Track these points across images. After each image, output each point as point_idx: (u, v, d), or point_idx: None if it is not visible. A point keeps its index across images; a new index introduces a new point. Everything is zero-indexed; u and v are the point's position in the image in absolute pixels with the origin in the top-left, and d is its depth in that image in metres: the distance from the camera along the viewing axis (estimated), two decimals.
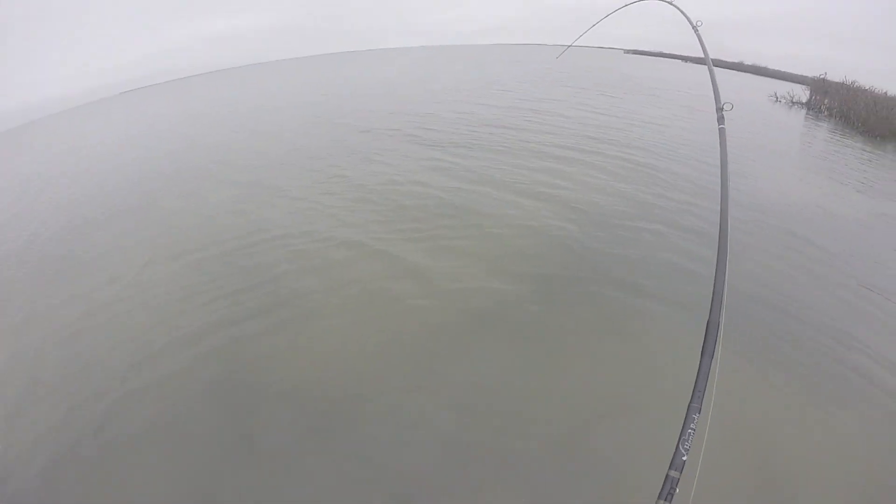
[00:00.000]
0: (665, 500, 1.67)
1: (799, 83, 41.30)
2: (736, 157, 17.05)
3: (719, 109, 3.99)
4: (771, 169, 16.57)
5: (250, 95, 43.84)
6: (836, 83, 34.43)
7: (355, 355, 7.16)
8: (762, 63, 61.85)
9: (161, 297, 9.01)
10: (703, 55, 5.90)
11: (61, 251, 11.90)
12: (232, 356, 7.24)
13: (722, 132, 3.66)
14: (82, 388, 6.71)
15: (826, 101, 32.62)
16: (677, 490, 1.70)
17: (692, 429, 1.87)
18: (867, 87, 30.88)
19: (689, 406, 1.95)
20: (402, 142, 19.11)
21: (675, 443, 1.81)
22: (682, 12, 6.58)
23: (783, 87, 37.47)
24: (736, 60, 66.15)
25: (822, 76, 34.36)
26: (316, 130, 22.87)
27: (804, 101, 34.50)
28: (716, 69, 5.58)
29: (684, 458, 1.77)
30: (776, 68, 58.24)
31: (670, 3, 7.21)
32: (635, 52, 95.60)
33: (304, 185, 14.65)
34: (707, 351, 2.18)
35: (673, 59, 78.98)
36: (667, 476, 1.73)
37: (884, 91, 29.29)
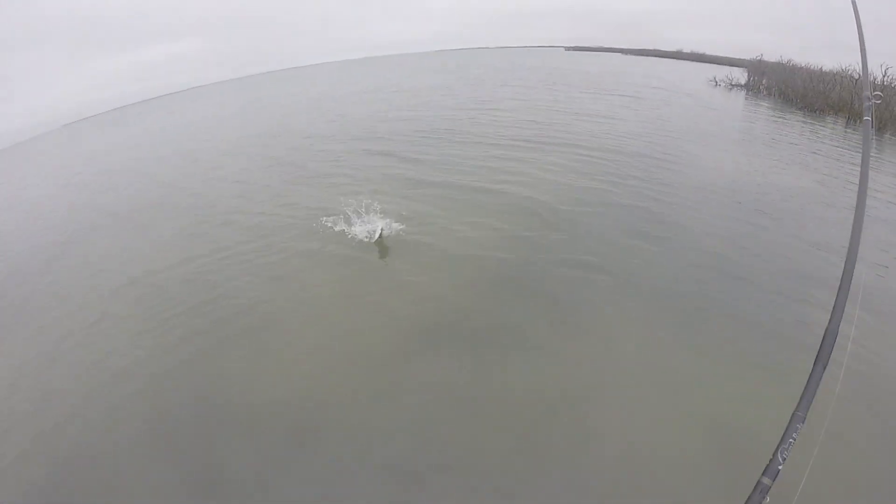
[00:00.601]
0: None
1: (737, 66, 42.12)
2: (686, 143, 17.20)
3: (867, 98, 3.11)
4: (719, 152, 16.61)
5: (198, 118, 41.82)
6: (773, 63, 35.16)
7: (320, 366, 6.65)
8: (700, 50, 63.48)
9: (124, 323, 8.30)
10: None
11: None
12: (196, 376, 6.68)
13: (866, 125, 2.97)
14: (49, 416, 6.43)
15: (764, 80, 33.23)
16: (767, 499, 1.56)
17: (793, 438, 1.71)
18: (803, 65, 31.50)
19: (793, 414, 1.80)
20: (358, 149, 18.41)
21: (774, 449, 1.66)
22: None
23: (722, 72, 38.12)
24: (675, 49, 67.86)
25: (758, 58, 35.01)
26: (271, 146, 21.14)
27: (743, 82, 35.14)
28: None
29: (780, 467, 1.62)
30: (714, 54, 59.78)
31: None
32: (576, 48, 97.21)
33: (261, 199, 13.89)
34: (821, 359, 2.00)
35: (613, 53, 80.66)
36: (758, 483, 1.59)
37: (819, 66, 29.85)
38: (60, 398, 6.64)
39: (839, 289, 2.30)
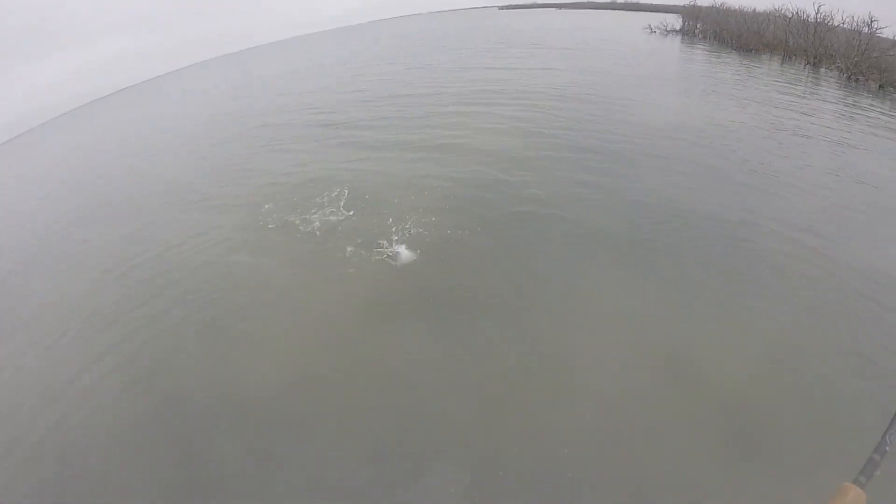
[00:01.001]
0: (866, 477, 1.53)
1: (671, 13, 41.99)
2: (626, 88, 17.26)
3: None
4: (659, 94, 16.59)
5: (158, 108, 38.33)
6: (707, 7, 35.14)
7: (295, 353, 6.22)
8: None
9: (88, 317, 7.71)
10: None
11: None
12: (164, 369, 6.22)
13: None
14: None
15: (699, 24, 33.24)
16: (878, 472, 1.55)
17: None
18: (736, 8, 31.51)
19: None
20: (303, 127, 17.32)
21: (883, 431, 1.61)
22: None
23: (657, 19, 37.93)
24: (608, 0, 67.36)
25: (692, 3, 34.87)
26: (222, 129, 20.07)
27: (678, 28, 35.04)
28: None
29: (887, 449, 1.59)
30: (648, 2, 59.55)
31: None
32: (510, 6, 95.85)
33: (215, 180, 13.07)
34: None
35: (547, 8, 79.85)
36: (870, 458, 1.59)
37: (752, 8, 29.92)
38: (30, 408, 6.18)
39: None
